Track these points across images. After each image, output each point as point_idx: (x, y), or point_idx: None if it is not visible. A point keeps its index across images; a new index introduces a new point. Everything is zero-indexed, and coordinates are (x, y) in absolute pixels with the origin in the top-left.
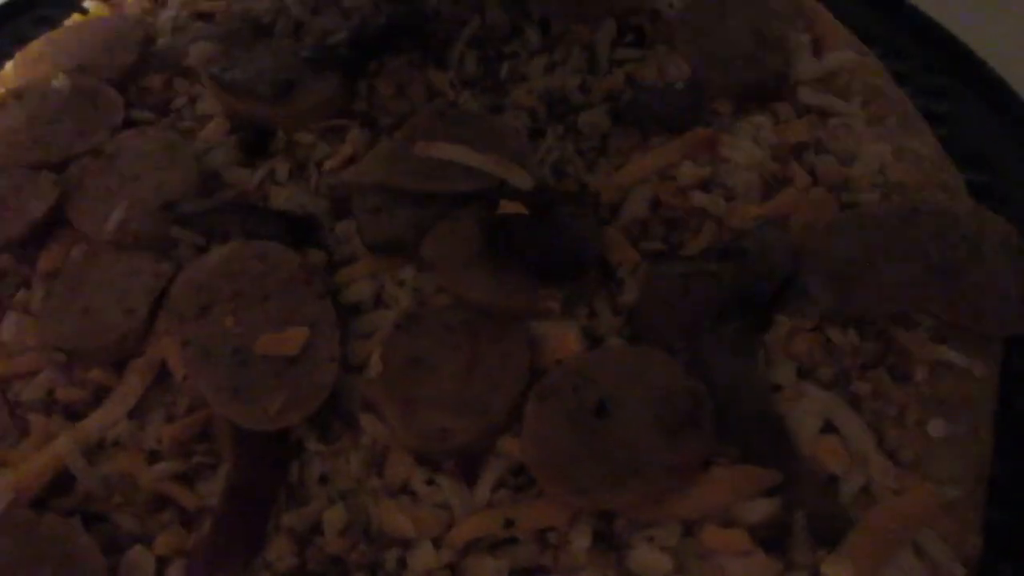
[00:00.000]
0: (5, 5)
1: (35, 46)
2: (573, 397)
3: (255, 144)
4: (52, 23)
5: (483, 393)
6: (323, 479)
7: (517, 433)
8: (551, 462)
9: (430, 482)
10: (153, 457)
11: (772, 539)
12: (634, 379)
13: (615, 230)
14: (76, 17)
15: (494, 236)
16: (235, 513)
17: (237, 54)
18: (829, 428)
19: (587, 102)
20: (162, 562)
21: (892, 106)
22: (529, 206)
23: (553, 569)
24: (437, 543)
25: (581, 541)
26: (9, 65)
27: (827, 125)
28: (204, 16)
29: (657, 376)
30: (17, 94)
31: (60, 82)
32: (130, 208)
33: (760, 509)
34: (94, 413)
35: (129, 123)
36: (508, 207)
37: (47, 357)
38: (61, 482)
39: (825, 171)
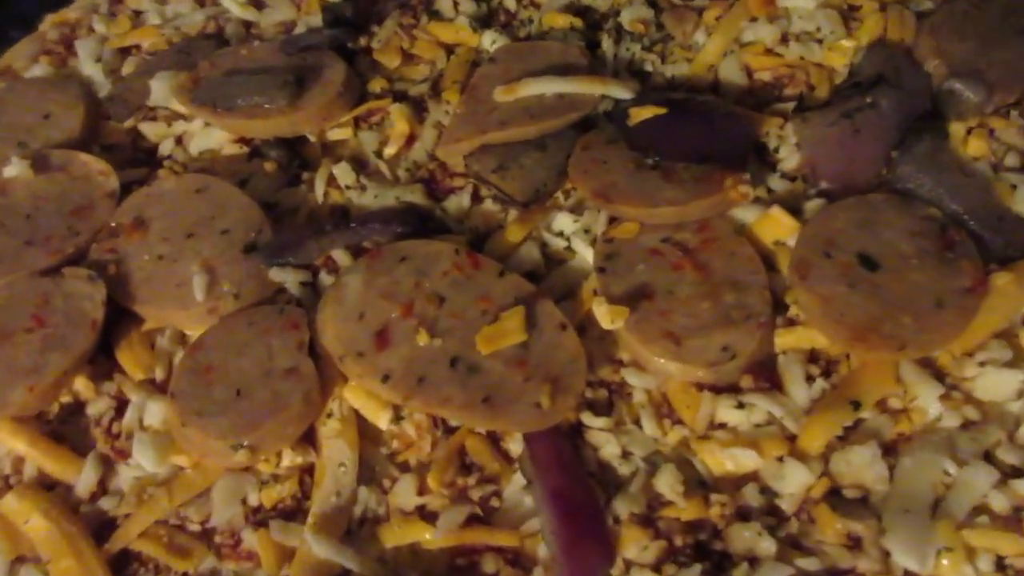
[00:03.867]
0: None
1: None
2: (831, 264)
3: (290, 158)
4: None
5: (737, 297)
6: (625, 453)
7: (782, 326)
8: (859, 331)
9: (740, 406)
10: (422, 513)
11: None
12: (871, 227)
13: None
14: None
15: (651, 146)
16: (573, 524)
17: (210, 75)
18: None
19: (616, 1)
20: None
21: None
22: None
23: (912, 432)
24: (796, 458)
25: (929, 392)
26: None
27: None
28: (130, 50)
29: (889, 216)
30: None
31: (16, 167)
32: (208, 269)
33: None
34: (316, 498)
35: (124, 187)
36: (643, 113)
37: (223, 464)
38: None
39: None
